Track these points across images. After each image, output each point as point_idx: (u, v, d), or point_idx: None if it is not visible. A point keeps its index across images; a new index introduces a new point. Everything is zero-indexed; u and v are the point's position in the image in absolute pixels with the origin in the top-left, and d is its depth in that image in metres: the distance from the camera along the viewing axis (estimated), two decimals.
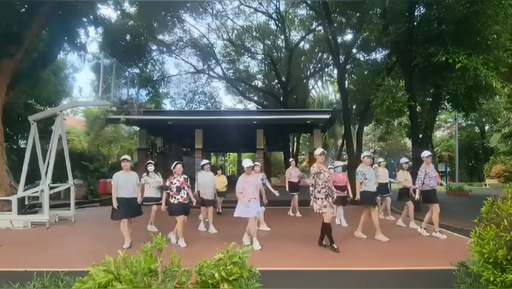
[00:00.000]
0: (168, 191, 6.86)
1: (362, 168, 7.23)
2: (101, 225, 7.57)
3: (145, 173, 8.57)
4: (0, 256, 6.02)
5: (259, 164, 8.83)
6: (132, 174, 6.96)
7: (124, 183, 6.72)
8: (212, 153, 27.86)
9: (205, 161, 8.73)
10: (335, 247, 6.12)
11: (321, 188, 6.23)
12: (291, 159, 13.53)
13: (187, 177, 6.98)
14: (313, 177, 6.32)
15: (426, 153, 7.46)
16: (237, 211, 6.54)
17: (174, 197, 6.71)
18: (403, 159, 9.26)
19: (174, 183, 6.77)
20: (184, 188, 6.75)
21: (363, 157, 7.42)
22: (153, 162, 8.97)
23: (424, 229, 7.56)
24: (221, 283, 2.34)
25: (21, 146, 18.28)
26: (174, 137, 18.27)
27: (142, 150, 15.90)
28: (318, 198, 6.23)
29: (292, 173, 10.69)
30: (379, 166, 9.57)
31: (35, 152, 10.00)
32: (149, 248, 2.41)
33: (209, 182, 8.26)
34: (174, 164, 7.00)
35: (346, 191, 8.55)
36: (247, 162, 6.79)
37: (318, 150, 6.53)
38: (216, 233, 7.98)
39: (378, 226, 7.11)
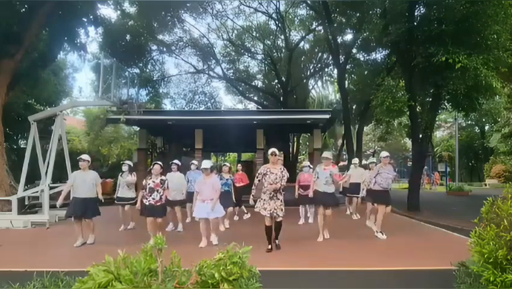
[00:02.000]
0: (142, 191, 6.71)
1: (318, 167, 7.20)
2: (101, 225, 7.56)
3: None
4: (0, 256, 6.02)
5: (228, 165, 8.93)
6: (88, 174, 6.80)
7: (79, 183, 6.71)
8: (212, 153, 27.82)
9: (174, 161, 8.62)
10: (270, 248, 6.02)
11: (267, 189, 6.02)
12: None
13: (164, 179, 6.76)
14: (257, 178, 6.16)
15: (383, 154, 7.57)
16: (195, 212, 6.57)
17: (146, 198, 6.59)
18: (369, 159, 9.95)
19: (149, 184, 6.62)
20: (157, 191, 6.58)
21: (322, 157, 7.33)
22: (128, 162, 8.79)
23: (380, 232, 7.23)
24: (221, 283, 2.34)
25: (21, 146, 18.23)
26: (174, 137, 18.24)
27: (142, 150, 15.85)
28: (262, 199, 6.08)
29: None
30: (354, 166, 10.03)
31: (35, 152, 10.00)
32: (149, 248, 2.41)
33: (175, 183, 8.06)
34: (153, 164, 6.91)
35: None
36: (205, 164, 6.74)
37: (270, 150, 6.20)
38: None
39: (321, 226, 7.01)
